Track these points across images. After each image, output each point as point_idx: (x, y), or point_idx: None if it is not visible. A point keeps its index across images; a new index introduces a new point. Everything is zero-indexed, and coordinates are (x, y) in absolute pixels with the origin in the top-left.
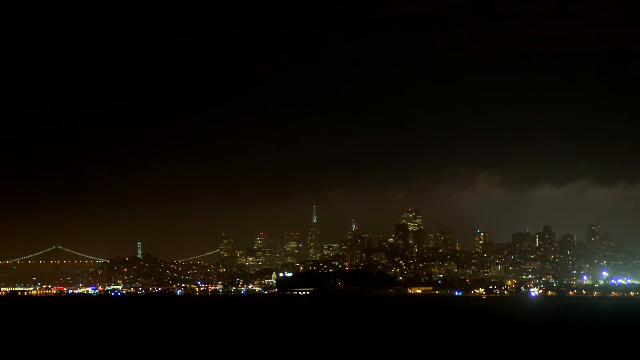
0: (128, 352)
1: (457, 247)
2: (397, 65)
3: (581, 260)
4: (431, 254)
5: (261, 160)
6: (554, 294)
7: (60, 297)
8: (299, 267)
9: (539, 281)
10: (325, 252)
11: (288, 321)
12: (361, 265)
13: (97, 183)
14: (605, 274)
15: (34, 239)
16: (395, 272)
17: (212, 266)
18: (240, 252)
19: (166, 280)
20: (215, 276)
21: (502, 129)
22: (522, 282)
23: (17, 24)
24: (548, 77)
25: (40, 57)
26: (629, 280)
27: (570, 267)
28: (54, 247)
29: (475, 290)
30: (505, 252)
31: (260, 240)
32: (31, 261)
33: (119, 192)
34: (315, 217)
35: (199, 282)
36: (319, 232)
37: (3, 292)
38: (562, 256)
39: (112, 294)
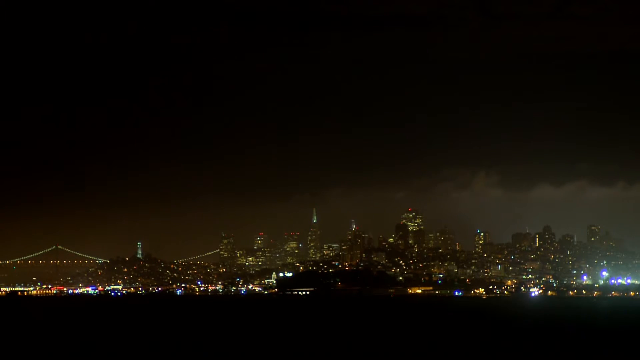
0: (128, 352)
1: (457, 247)
2: (397, 65)
3: (581, 260)
4: (431, 254)
5: (261, 160)
6: (554, 294)
7: (60, 297)
8: (299, 267)
9: (539, 281)
10: (325, 252)
11: (288, 321)
12: (361, 265)
13: (97, 183)
14: (605, 274)
15: (34, 239)
16: (395, 272)
17: (212, 266)
18: (240, 252)
19: (166, 280)
20: (215, 276)
21: (502, 129)
22: (522, 282)
23: (17, 24)
24: (548, 77)
25: (40, 57)
26: (629, 280)
27: (570, 267)
28: (54, 247)
29: (475, 290)
30: (505, 252)
31: (260, 240)
32: (31, 261)
33: (119, 192)
34: (315, 217)
35: (199, 282)
36: (319, 232)
37: (3, 292)
38: (562, 256)
39: (112, 294)
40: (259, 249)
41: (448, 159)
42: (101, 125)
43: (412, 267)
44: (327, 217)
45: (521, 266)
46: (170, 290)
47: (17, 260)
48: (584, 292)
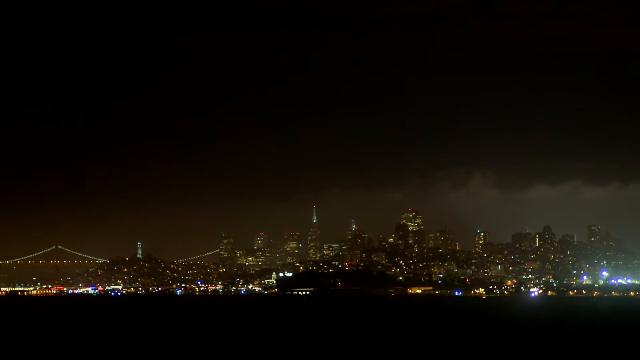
0: (128, 352)
1: (457, 247)
2: (397, 65)
3: (581, 260)
4: (431, 254)
5: (261, 160)
6: (554, 294)
7: (60, 297)
8: (299, 267)
9: (539, 281)
10: (325, 252)
11: (288, 321)
12: (361, 265)
13: (97, 183)
14: (605, 274)
15: (34, 239)
16: (395, 272)
17: (212, 266)
18: (240, 252)
19: (166, 280)
20: (215, 276)
21: (502, 129)
22: (522, 282)
23: (17, 24)
24: (548, 77)
25: (40, 57)
26: (629, 280)
27: (570, 267)
28: (54, 247)
29: (475, 290)
30: (505, 252)
31: (260, 240)
32: (31, 261)
33: (119, 192)
34: (315, 217)
35: (199, 282)
36: (319, 232)
37: (3, 292)
38: (562, 256)
39: (112, 294)
40: (259, 249)
41: (448, 159)
42: (101, 125)
43: (412, 267)
44: (327, 217)
45: (521, 266)
46: (170, 290)
47: (17, 260)
48: (584, 292)
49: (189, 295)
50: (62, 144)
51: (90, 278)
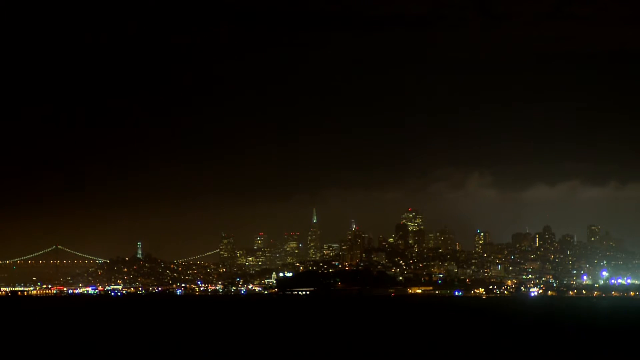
0: (128, 352)
1: (457, 247)
2: (397, 65)
3: (581, 260)
4: (431, 254)
5: (261, 160)
6: (554, 294)
7: (60, 297)
8: (299, 267)
9: (539, 281)
10: (325, 252)
11: (288, 321)
12: (361, 265)
13: (97, 183)
14: (605, 274)
15: (34, 239)
16: (395, 272)
17: (212, 266)
18: (240, 252)
19: (166, 280)
20: (215, 276)
21: (502, 129)
22: (522, 282)
23: (17, 24)
24: (548, 77)
25: (40, 57)
26: (629, 280)
27: (570, 267)
28: (54, 247)
29: (475, 290)
30: (505, 252)
31: (260, 240)
32: (31, 261)
33: (119, 192)
34: (315, 217)
35: (199, 282)
36: (319, 232)
37: (3, 292)
38: (562, 256)
39: (112, 294)
40: (259, 249)
41: (448, 159)
42: (101, 125)
43: (412, 267)
44: (327, 217)
45: (521, 266)
46: (170, 290)
47: (17, 260)
48: (584, 292)
49: (189, 295)
50: (62, 144)
51: (90, 278)
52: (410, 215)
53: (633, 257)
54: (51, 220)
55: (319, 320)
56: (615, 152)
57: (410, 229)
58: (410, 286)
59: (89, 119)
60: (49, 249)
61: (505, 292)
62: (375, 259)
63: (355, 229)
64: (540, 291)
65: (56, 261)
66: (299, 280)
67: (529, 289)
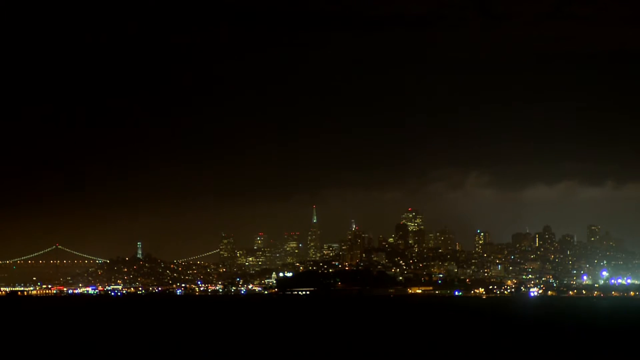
0: (128, 352)
1: (457, 247)
2: (397, 65)
3: (581, 260)
4: (431, 254)
5: (261, 160)
6: (554, 294)
7: (60, 297)
8: (299, 267)
9: (539, 281)
10: (325, 252)
11: (288, 321)
12: (361, 265)
13: (97, 183)
14: (605, 274)
15: (34, 239)
16: (395, 272)
17: (212, 266)
18: (240, 252)
19: (166, 280)
20: (215, 276)
21: (502, 129)
22: (522, 282)
23: (17, 24)
24: (548, 77)
25: (40, 57)
26: (629, 280)
27: (570, 267)
28: (54, 247)
29: (475, 290)
30: (505, 252)
31: (260, 240)
32: (31, 261)
33: (119, 192)
34: (315, 217)
35: (199, 282)
36: (319, 232)
37: (3, 292)
38: (562, 256)
39: (112, 294)
40: (259, 249)
41: (448, 159)
42: (101, 125)
43: (412, 267)
44: (327, 217)
45: (521, 266)
46: (170, 290)
47: (17, 260)
48: (584, 292)
49: (189, 295)
50: (62, 144)
51: (90, 278)
52: (410, 215)
53: (633, 257)
54: (51, 220)
55: (319, 320)
56: (615, 152)
57: (410, 229)
58: (410, 286)
59: (89, 119)
60: (49, 249)
61: (505, 292)
62: (375, 259)
63: (355, 229)
64: (540, 291)
65: (56, 261)
66: (299, 280)
67: (529, 289)
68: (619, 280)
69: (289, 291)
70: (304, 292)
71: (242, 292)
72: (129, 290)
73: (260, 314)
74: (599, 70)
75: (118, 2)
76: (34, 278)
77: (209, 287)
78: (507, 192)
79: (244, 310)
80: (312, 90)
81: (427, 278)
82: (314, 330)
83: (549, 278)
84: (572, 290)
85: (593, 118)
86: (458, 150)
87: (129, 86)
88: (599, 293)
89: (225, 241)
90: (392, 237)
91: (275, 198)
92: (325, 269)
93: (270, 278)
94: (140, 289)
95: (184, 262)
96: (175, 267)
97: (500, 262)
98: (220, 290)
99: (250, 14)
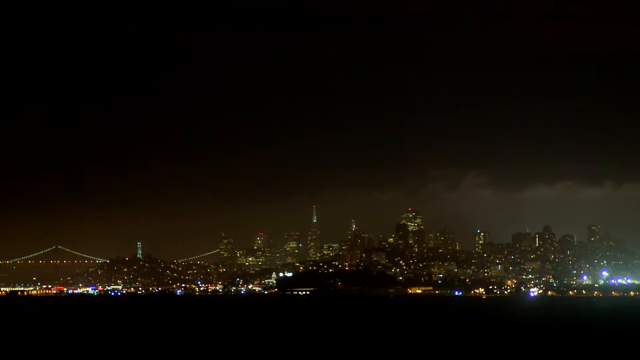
0: (128, 352)
1: (457, 247)
2: (397, 65)
3: (581, 260)
4: (431, 254)
5: (261, 160)
6: (554, 294)
7: (60, 297)
8: (299, 267)
9: (539, 281)
10: (325, 252)
11: (288, 321)
12: (361, 265)
13: (97, 183)
14: (605, 274)
15: (34, 239)
16: (395, 272)
17: (212, 266)
18: (240, 252)
19: (166, 280)
20: (215, 276)
21: (502, 129)
22: (522, 282)
23: (17, 23)
24: (548, 77)
25: (40, 57)
26: (629, 280)
27: (570, 267)
28: (54, 247)
29: (475, 290)
30: (505, 252)
31: (260, 240)
32: (31, 261)
33: (119, 192)
34: (315, 217)
35: (199, 282)
36: (319, 232)
37: (3, 292)
38: (562, 256)
39: (112, 294)
40: (259, 249)
41: (448, 159)
42: (101, 125)
43: (412, 267)
44: (327, 217)
45: (521, 266)
46: (170, 290)
47: (17, 260)
48: (584, 292)
49: (189, 295)
50: (62, 144)
51: (90, 278)
52: (410, 215)
53: (633, 257)
54: (51, 220)
55: (319, 320)
56: (615, 152)
57: (410, 229)
58: (410, 286)
59: (89, 119)
60: (49, 249)
61: (505, 292)
62: (375, 259)
63: (355, 229)
64: (540, 291)
65: (56, 261)
66: (299, 280)
67: (529, 289)
68: (619, 280)
69: (289, 291)
70: (304, 292)
71: (242, 292)
72: (129, 290)
73: (260, 314)
74: (599, 70)
75: (118, 2)
76: (34, 278)
77: (209, 287)
78: (507, 192)
79: (244, 310)
80: (312, 90)
81: (427, 278)
82: (314, 330)
83: (549, 278)
84: (572, 290)
85: (593, 118)
86: (458, 151)
87: (129, 86)
88: (599, 293)
89: (225, 241)
90: (392, 237)
91: (275, 198)
92: (325, 269)
93: (270, 278)
94: (140, 289)
95: (184, 262)
96: (175, 267)
97: (500, 262)
98: (220, 290)
99: (250, 14)
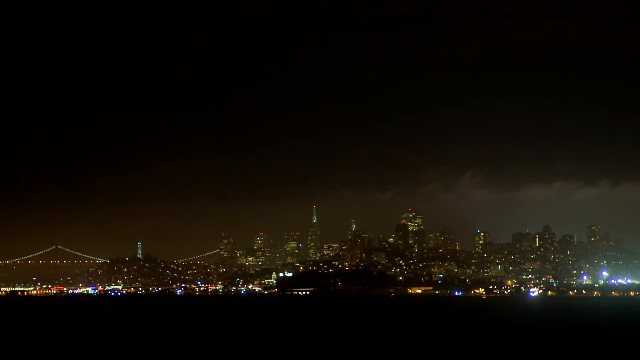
0: (128, 352)
1: (457, 247)
2: (396, 65)
3: (581, 260)
4: (431, 254)
5: (261, 160)
6: (554, 294)
7: (60, 297)
8: (299, 267)
9: (539, 281)
10: (325, 252)
11: (288, 321)
12: (361, 265)
13: (97, 183)
14: (605, 274)
15: (34, 239)
16: (395, 272)
17: (212, 266)
18: (240, 252)
19: (166, 280)
20: (215, 276)
21: (500, 128)
22: (522, 282)
23: (17, 23)
24: (548, 77)
25: (40, 57)
26: (629, 280)
27: (570, 267)
28: (54, 247)
29: (475, 290)
30: (505, 252)
31: (260, 240)
32: (31, 261)
33: (119, 192)
34: (315, 217)
35: (199, 282)
36: (319, 232)
37: (3, 292)
38: (562, 256)
39: (112, 294)
40: (259, 249)
41: (448, 159)
42: (101, 125)
43: (412, 267)
44: (327, 217)
45: (521, 266)
46: (170, 290)
47: (17, 260)
48: (584, 292)
49: (189, 295)
50: (62, 144)
51: (90, 278)
52: (410, 215)
53: (633, 257)
54: (51, 220)
55: (319, 320)
56: (615, 152)
57: (410, 229)
58: (410, 286)
59: (89, 120)
60: (49, 249)
61: (505, 292)
62: (375, 259)
63: (355, 229)
64: (540, 291)
65: (56, 261)
66: (299, 280)
67: (529, 289)
68: (619, 280)
69: (289, 291)
70: (304, 292)
71: (242, 292)
72: (129, 290)
73: (260, 314)
74: (599, 70)
75: (118, 1)
76: (34, 278)
77: (209, 287)
78: (507, 192)
79: (244, 310)
80: (311, 90)
81: (427, 278)
82: (314, 330)
83: (549, 278)
84: (572, 290)
85: (592, 118)
86: (458, 150)
87: (129, 86)
88: (599, 293)
89: (225, 241)
90: (392, 237)
91: (275, 198)
92: (325, 269)
93: (270, 278)
94: (140, 289)
95: (184, 262)
96: (175, 267)
97: (500, 262)
98: (220, 290)
99: (249, 14)
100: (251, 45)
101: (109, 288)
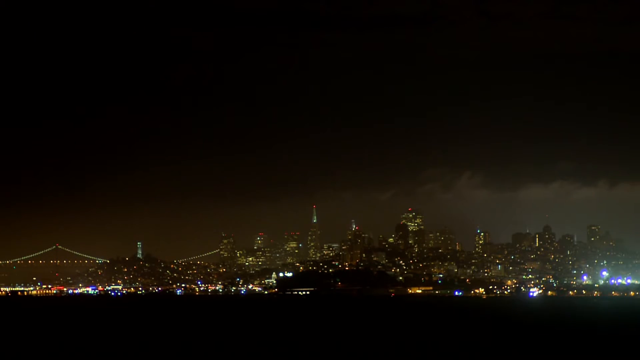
0: (128, 352)
1: (457, 247)
2: (396, 65)
3: (581, 260)
4: (431, 254)
5: (261, 160)
6: (554, 294)
7: (60, 297)
8: (299, 267)
9: (539, 281)
10: (325, 252)
11: (288, 321)
12: (361, 265)
13: (97, 183)
14: (605, 274)
15: (34, 239)
16: (395, 272)
17: (212, 266)
18: (240, 252)
19: (166, 280)
20: (215, 276)
21: (500, 128)
22: (522, 282)
23: (17, 23)
24: (548, 77)
25: (40, 57)
26: (629, 280)
27: (570, 267)
28: (54, 247)
29: (475, 290)
30: (505, 252)
31: (260, 240)
32: (31, 261)
33: (119, 192)
34: (315, 217)
35: (199, 282)
36: (319, 232)
37: (3, 292)
38: (562, 256)
39: (112, 294)
40: (259, 249)
41: (448, 159)
42: (101, 125)
43: (412, 267)
44: (327, 217)
45: (521, 266)
46: (170, 290)
47: (17, 260)
48: (584, 292)
49: (189, 295)
50: (62, 144)
51: (90, 278)
52: (410, 215)
53: (633, 257)
54: (51, 220)
55: (319, 320)
56: (615, 152)
57: (410, 229)
58: (410, 286)
59: (89, 119)
60: (49, 249)
61: (505, 292)
62: (375, 259)
63: (355, 229)
64: (540, 291)
65: (56, 261)
66: (299, 280)
67: (529, 289)
68: (619, 280)
69: (289, 291)
70: (304, 292)
71: (242, 292)
72: (129, 290)
73: (260, 314)
74: (599, 70)
75: (118, 1)
76: (34, 278)
77: (209, 287)
78: (507, 192)
79: (244, 310)
80: (311, 90)
81: (427, 278)
82: (314, 330)
83: (549, 278)
84: (572, 290)
85: (592, 118)
86: (458, 150)
87: (129, 87)
88: (599, 293)
89: (225, 241)
90: (392, 237)
91: (275, 198)
92: (325, 269)
93: (270, 278)
94: (140, 289)
95: (184, 262)
96: (175, 267)
97: (500, 262)
98: (220, 290)
99: (249, 14)
100: (251, 45)
101: (109, 288)
